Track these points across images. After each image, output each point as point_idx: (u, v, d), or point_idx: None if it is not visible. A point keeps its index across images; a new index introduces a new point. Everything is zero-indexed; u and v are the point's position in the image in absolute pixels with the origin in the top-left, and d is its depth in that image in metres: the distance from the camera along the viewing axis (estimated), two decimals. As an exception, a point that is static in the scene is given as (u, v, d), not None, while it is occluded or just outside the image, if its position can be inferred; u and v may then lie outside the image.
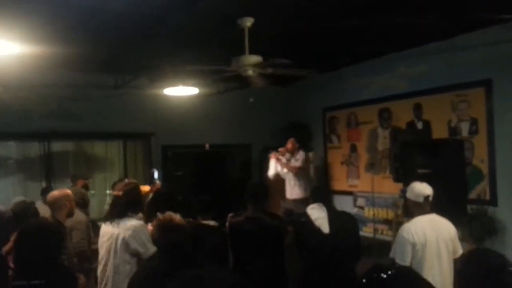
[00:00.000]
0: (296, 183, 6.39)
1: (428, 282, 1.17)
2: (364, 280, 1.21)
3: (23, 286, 2.26)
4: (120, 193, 3.26)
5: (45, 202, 5.54)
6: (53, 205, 3.45)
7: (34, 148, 6.61)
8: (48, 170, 6.63)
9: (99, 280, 3.19)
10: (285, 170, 6.42)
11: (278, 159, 6.44)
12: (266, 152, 6.62)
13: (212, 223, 3.50)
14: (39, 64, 5.72)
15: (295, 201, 6.30)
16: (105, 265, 3.12)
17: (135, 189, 3.42)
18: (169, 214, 2.64)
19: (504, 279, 1.55)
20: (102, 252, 3.17)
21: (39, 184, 6.41)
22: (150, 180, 4.87)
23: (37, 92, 6.06)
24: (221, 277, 0.95)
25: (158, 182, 4.76)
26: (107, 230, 3.18)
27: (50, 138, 6.65)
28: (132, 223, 3.10)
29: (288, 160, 6.49)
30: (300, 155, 6.44)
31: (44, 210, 5.38)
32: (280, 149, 6.54)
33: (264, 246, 3.33)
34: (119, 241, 3.04)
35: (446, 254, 3.19)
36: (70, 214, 3.57)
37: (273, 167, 6.50)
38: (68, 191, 3.64)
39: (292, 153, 6.49)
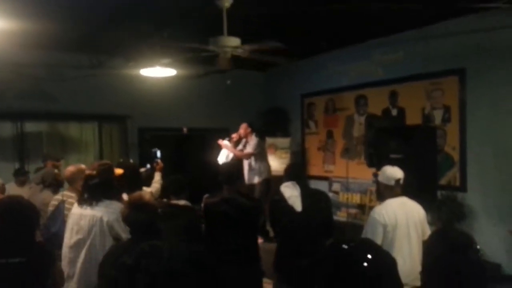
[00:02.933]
0: (251, 169, 6.44)
1: (387, 252, 1.22)
2: (327, 251, 1.25)
3: (1, 265, 2.24)
4: (94, 172, 3.15)
5: (18, 183, 5.52)
6: (69, 179, 3.65)
7: (7, 128, 6.45)
8: (21, 151, 6.50)
9: (67, 263, 3.05)
10: (231, 155, 6.42)
11: (225, 147, 6.43)
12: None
13: (183, 202, 3.51)
14: (11, 41, 5.57)
15: (251, 186, 6.35)
16: (78, 248, 3.00)
17: (110, 170, 3.36)
18: (139, 192, 2.67)
19: (470, 256, 1.61)
20: (77, 235, 3.02)
21: (12, 165, 6.27)
22: (152, 160, 4.80)
23: (10, 70, 5.92)
24: (178, 248, 0.96)
25: (160, 161, 4.67)
26: (84, 212, 3.03)
27: (23, 118, 6.50)
28: (115, 206, 2.99)
29: (244, 146, 6.52)
30: (253, 140, 6.46)
31: (16, 191, 5.32)
32: (233, 135, 6.56)
33: (239, 226, 3.36)
34: (103, 224, 2.94)
35: (416, 236, 3.27)
36: None
37: (224, 155, 6.51)
38: (83, 166, 3.79)
39: (246, 138, 6.52)
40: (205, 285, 0.95)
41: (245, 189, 6.16)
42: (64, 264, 3.05)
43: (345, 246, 1.20)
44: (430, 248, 1.73)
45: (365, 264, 1.14)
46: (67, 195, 3.59)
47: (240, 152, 6.48)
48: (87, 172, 3.18)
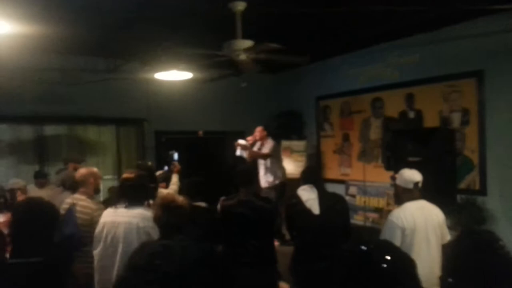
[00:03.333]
0: (267, 171, 6.42)
1: (406, 253, 1.20)
2: (345, 252, 1.24)
3: (20, 264, 2.27)
4: (131, 176, 3.10)
5: (38, 185, 5.62)
6: (81, 181, 3.68)
7: (27, 131, 6.58)
8: (41, 153, 6.62)
9: (101, 271, 3.02)
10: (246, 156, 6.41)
11: (244, 147, 6.43)
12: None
13: (202, 204, 3.53)
14: (31, 45, 5.69)
15: (266, 188, 6.33)
16: (113, 256, 2.96)
17: (146, 177, 3.30)
18: (172, 194, 2.66)
19: (496, 252, 1.61)
20: (112, 243, 2.98)
21: (32, 167, 6.38)
22: (169, 162, 4.83)
23: (29, 75, 6.03)
24: (191, 248, 0.95)
25: (177, 163, 4.69)
26: (117, 220, 2.99)
27: (43, 121, 6.62)
28: (149, 213, 2.94)
29: (259, 149, 6.50)
30: (269, 143, 6.44)
31: (37, 193, 5.41)
32: (248, 138, 6.55)
33: (255, 228, 3.37)
34: (140, 231, 2.90)
35: (435, 239, 3.23)
36: (97, 191, 3.83)
37: (241, 153, 6.51)
38: (94, 169, 3.86)
39: (261, 141, 6.50)
40: (217, 285, 0.94)
41: (261, 192, 6.15)
42: (99, 273, 3.01)
43: (363, 247, 1.19)
44: (456, 249, 1.72)
45: (384, 265, 1.12)
46: (78, 198, 3.59)
47: (257, 152, 6.46)
48: (125, 175, 3.17)
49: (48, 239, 2.43)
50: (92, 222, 3.40)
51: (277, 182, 6.41)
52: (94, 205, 3.53)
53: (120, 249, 2.93)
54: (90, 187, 3.68)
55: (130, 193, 3.03)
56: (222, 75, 7.26)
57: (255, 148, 6.60)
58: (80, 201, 3.55)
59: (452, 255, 1.72)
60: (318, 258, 3.26)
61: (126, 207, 2.99)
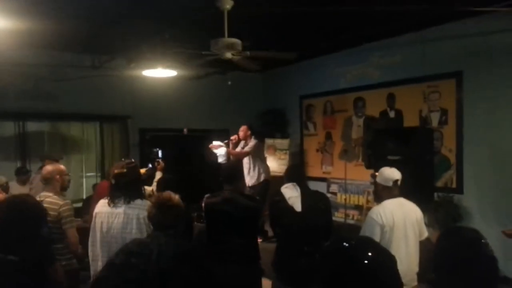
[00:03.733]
0: (251, 170, 6.46)
1: (386, 249, 1.25)
2: (327, 249, 1.28)
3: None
4: (124, 170, 3.08)
5: (20, 182, 5.57)
6: (47, 178, 3.62)
7: (9, 128, 6.49)
8: (22, 150, 6.54)
9: (99, 262, 2.99)
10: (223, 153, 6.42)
11: (216, 147, 6.38)
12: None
13: None
14: (14, 40, 5.61)
15: (251, 187, 6.38)
16: (109, 246, 2.94)
17: (137, 168, 3.30)
18: (168, 193, 2.64)
19: (479, 251, 1.66)
20: (108, 233, 2.98)
21: (14, 164, 6.31)
22: (153, 160, 4.82)
23: (12, 70, 5.96)
24: (167, 246, 0.97)
25: (161, 161, 4.68)
26: (115, 211, 2.98)
27: (25, 117, 6.54)
28: (148, 204, 2.91)
29: (243, 148, 6.52)
30: (252, 142, 6.45)
31: (19, 190, 5.36)
32: (232, 138, 6.56)
33: (240, 226, 3.39)
34: (140, 221, 2.91)
35: (413, 236, 3.31)
36: (64, 188, 3.74)
37: (221, 154, 6.52)
38: (61, 166, 3.80)
39: (245, 141, 6.53)
40: (196, 283, 0.96)
41: (245, 190, 6.17)
42: (96, 264, 3.01)
43: (346, 244, 1.22)
44: (441, 245, 1.76)
45: (366, 261, 1.15)
46: (44, 195, 3.55)
47: (236, 151, 6.48)
48: (116, 171, 3.14)
49: (30, 237, 2.38)
50: (59, 218, 3.43)
51: (261, 180, 6.46)
52: (61, 201, 3.51)
53: (117, 240, 2.93)
54: (56, 184, 3.64)
55: (127, 188, 3.02)
56: (207, 73, 7.29)
57: (239, 148, 6.62)
58: (47, 198, 3.52)
59: (437, 251, 1.75)
60: (300, 255, 3.33)
61: (125, 201, 2.99)
